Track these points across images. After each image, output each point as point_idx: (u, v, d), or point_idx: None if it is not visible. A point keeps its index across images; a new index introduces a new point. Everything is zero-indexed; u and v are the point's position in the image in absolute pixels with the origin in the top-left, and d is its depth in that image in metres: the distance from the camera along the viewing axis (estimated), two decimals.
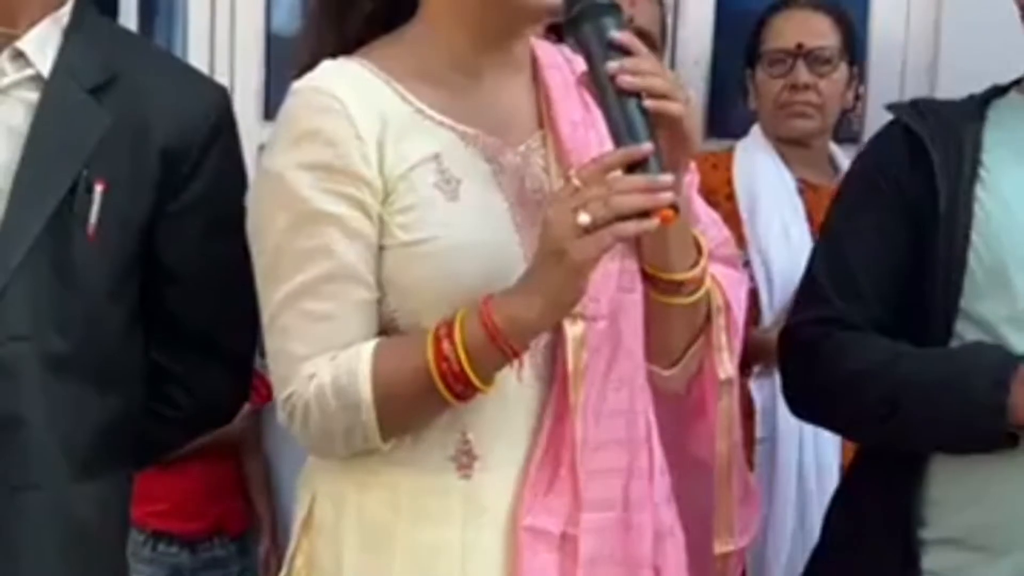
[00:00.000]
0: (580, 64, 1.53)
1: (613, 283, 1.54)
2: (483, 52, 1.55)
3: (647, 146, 1.38)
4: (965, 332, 1.73)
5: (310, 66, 1.53)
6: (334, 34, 1.58)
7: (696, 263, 1.56)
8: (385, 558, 1.51)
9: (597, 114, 1.51)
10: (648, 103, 1.41)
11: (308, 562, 1.57)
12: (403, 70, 1.53)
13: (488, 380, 1.45)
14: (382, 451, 1.50)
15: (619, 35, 1.44)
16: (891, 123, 1.85)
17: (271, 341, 1.53)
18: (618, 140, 1.41)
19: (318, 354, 1.49)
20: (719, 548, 1.66)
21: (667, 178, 1.37)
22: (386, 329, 1.52)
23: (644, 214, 1.36)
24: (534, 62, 1.61)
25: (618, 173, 1.38)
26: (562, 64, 1.62)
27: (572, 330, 1.50)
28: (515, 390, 1.51)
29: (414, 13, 1.57)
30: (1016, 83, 1.83)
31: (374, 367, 1.46)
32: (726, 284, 1.62)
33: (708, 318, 1.60)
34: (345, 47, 1.56)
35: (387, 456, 1.51)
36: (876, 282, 1.77)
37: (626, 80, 1.41)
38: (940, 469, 1.74)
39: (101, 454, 1.73)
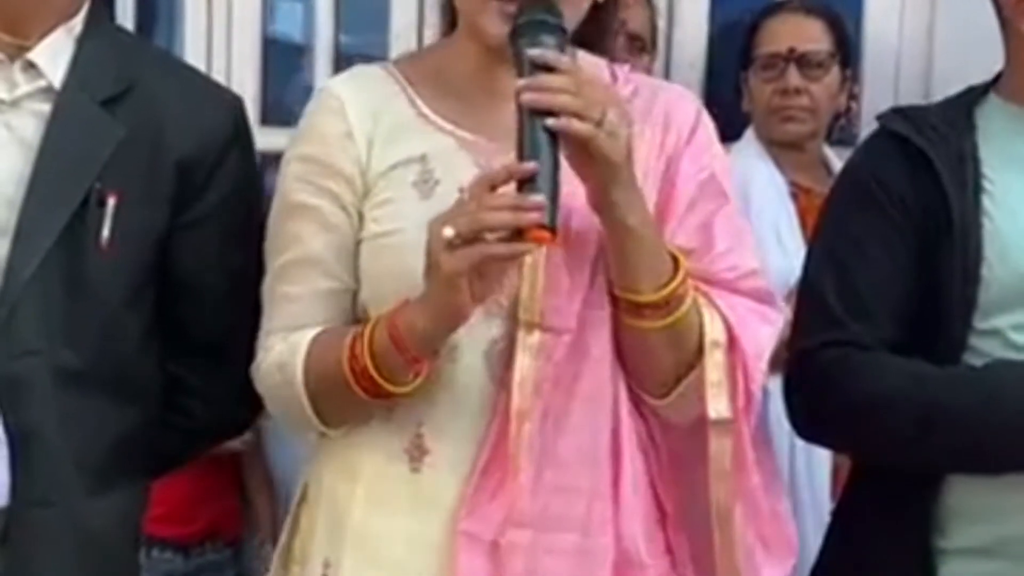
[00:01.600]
0: (640, 80, 1.62)
1: (580, 297, 1.53)
2: (489, 66, 1.57)
3: (529, 165, 1.39)
4: (980, 344, 1.71)
5: None
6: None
7: (665, 286, 1.51)
8: (338, 541, 1.56)
9: None
10: (550, 122, 1.40)
11: (302, 545, 1.62)
12: (422, 77, 1.61)
13: (396, 381, 1.49)
14: (331, 435, 1.58)
15: (536, 53, 1.44)
16: (880, 132, 1.82)
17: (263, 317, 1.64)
18: (519, 156, 1.41)
19: (279, 331, 1.58)
20: None
21: (536, 198, 1.37)
22: (359, 319, 1.57)
23: (519, 235, 1.37)
24: None
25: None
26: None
27: (526, 340, 1.51)
28: (469, 391, 1.53)
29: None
30: (993, 84, 1.82)
31: (309, 350, 1.54)
32: (736, 317, 1.56)
33: (701, 351, 1.54)
34: None
35: (353, 441, 1.57)
36: (886, 301, 1.73)
37: (526, 97, 1.41)
38: (959, 478, 1.72)
39: (116, 467, 1.73)
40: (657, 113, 1.61)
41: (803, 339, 1.79)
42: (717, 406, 1.54)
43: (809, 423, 1.80)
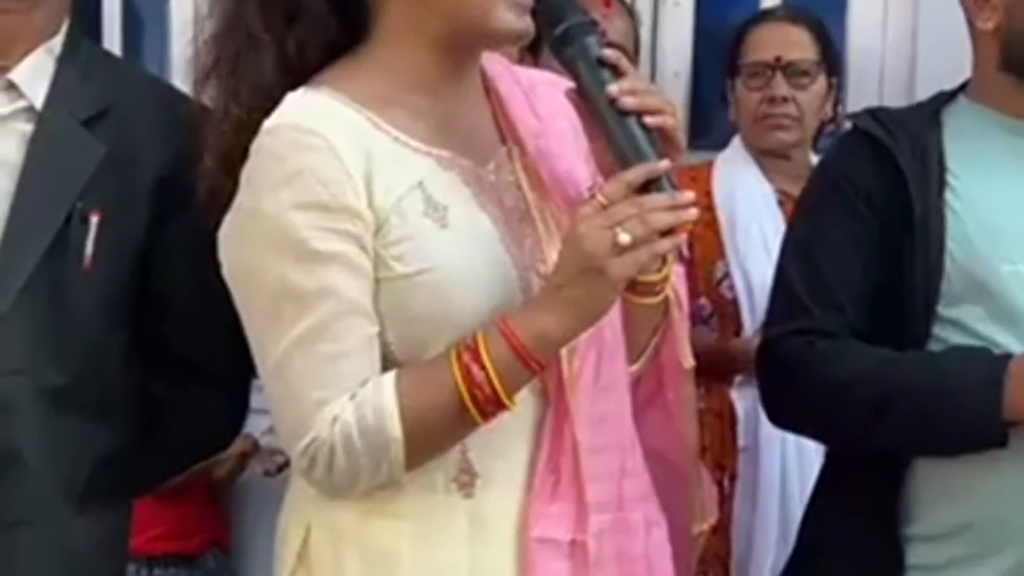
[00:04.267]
0: (520, 71, 1.59)
1: None
2: (444, 74, 1.55)
3: (665, 163, 1.43)
4: (944, 334, 1.77)
5: (253, 92, 1.52)
6: (279, 63, 1.54)
7: (664, 263, 1.57)
8: None
9: (551, 122, 1.55)
10: (648, 120, 1.45)
11: None
12: (370, 97, 1.51)
13: (514, 398, 1.46)
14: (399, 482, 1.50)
15: (609, 53, 1.48)
16: (852, 131, 1.91)
17: (280, 388, 1.49)
18: (624, 159, 1.44)
19: (337, 396, 1.46)
20: (697, 528, 1.70)
21: (689, 195, 1.42)
22: (384, 362, 1.50)
23: (670, 231, 1.41)
24: (483, 75, 1.61)
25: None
26: (505, 73, 1.63)
27: None
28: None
29: (361, 35, 1.55)
30: (962, 88, 1.89)
31: (400, 403, 1.45)
32: (675, 279, 1.63)
33: (666, 312, 1.62)
34: (287, 69, 1.53)
35: (386, 483, 1.51)
36: (851, 291, 1.81)
37: (627, 101, 1.44)
38: (924, 465, 1.78)
39: (99, 486, 1.72)
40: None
41: (772, 327, 1.89)
42: (687, 355, 1.65)
43: (776, 409, 1.89)
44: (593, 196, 1.43)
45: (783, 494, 2.52)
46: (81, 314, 1.68)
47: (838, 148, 1.99)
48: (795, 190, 2.61)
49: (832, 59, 2.70)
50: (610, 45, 2.61)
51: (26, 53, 1.72)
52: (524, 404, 1.52)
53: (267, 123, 1.48)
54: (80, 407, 1.69)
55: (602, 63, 1.47)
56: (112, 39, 3.09)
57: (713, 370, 2.42)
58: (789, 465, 2.52)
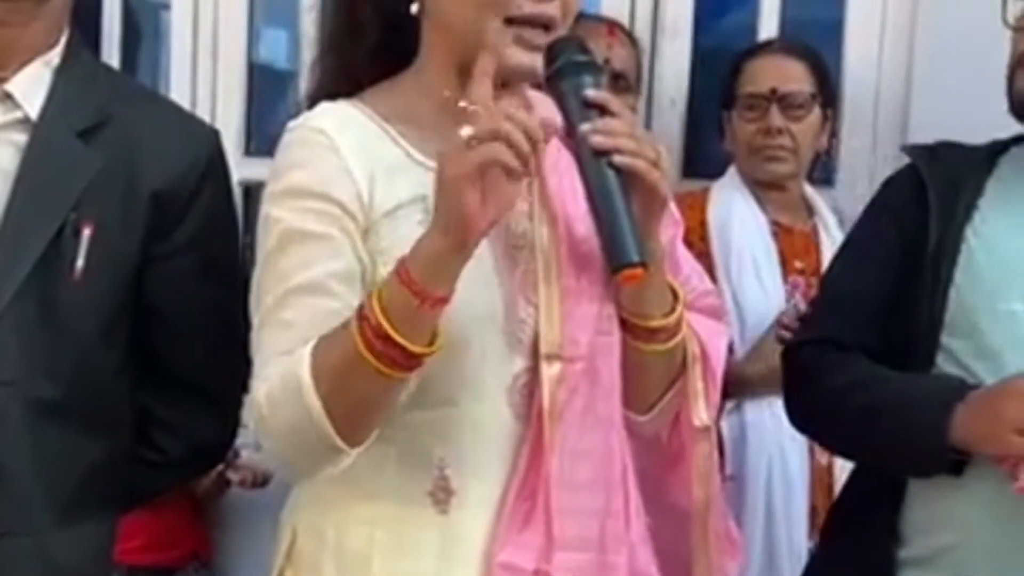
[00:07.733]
0: None
1: (591, 326, 1.57)
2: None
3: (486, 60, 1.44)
4: (944, 365, 1.80)
5: (313, 103, 1.60)
6: (338, 74, 1.63)
7: (671, 311, 1.59)
8: None
9: None
10: (616, 159, 1.46)
11: None
12: (395, 113, 1.57)
13: (412, 337, 1.41)
14: (346, 455, 1.46)
15: (594, 94, 1.49)
16: (909, 164, 1.95)
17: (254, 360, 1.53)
18: (592, 194, 1.47)
19: (275, 357, 1.48)
20: None
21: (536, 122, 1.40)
22: None
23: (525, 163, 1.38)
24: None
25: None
26: (555, 114, 1.63)
27: (549, 370, 1.54)
28: (492, 427, 1.54)
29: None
30: (1021, 138, 1.91)
31: (313, 351, 1.45)
32: (705, 334, 1.65)
33: (684, 366, 1.63)
34: (349, 88, 1.61)
35: (366, 491, 1.54)
36: (867, 310, 1.87)
37: (597, 140, 1.46)
38: (917, 490, 1.81)
39: (86, 499, 1.73)
40: None
41: (797, 336, 2.00)
42: (701, 415, 1.64)
43: (794, 413, 1.95)
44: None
45: (768, 520, 2.52)
46: (72, 326, 1.69)
47: (890, 177, 2.02)
48: (789, 221, 2.65)
49: (828, 91, 2.70)
50: (614, 75, 2.64)
51: (23, 64, 1.73)
52: (508, 428, 1.55)
53: (289, 124, 1.56)
54: (70, 419, 1.69)
55: (588, 103, 1.49)
56: (111, 52, 3.09)
57: None
58: (775, 494, 2.52)
